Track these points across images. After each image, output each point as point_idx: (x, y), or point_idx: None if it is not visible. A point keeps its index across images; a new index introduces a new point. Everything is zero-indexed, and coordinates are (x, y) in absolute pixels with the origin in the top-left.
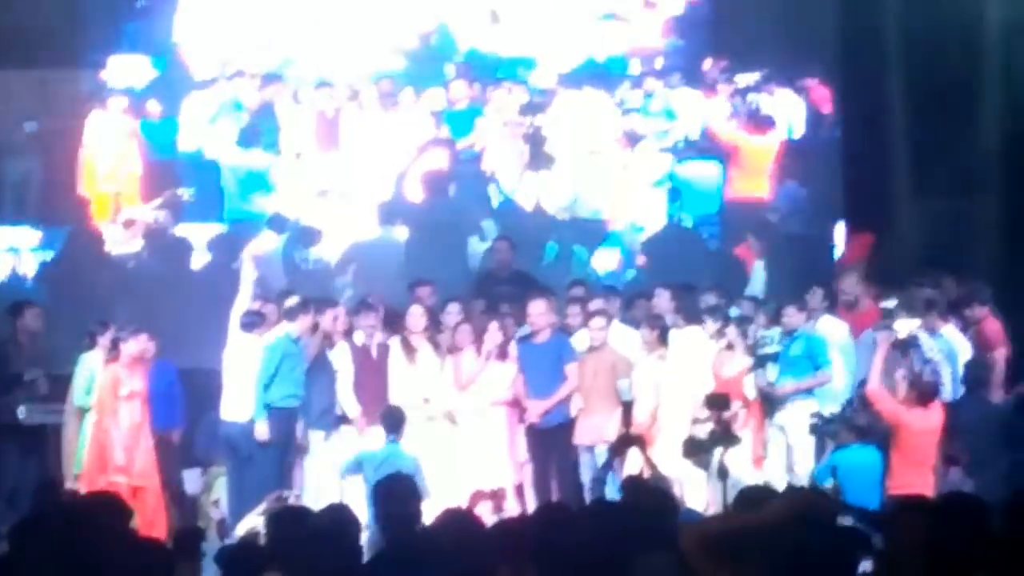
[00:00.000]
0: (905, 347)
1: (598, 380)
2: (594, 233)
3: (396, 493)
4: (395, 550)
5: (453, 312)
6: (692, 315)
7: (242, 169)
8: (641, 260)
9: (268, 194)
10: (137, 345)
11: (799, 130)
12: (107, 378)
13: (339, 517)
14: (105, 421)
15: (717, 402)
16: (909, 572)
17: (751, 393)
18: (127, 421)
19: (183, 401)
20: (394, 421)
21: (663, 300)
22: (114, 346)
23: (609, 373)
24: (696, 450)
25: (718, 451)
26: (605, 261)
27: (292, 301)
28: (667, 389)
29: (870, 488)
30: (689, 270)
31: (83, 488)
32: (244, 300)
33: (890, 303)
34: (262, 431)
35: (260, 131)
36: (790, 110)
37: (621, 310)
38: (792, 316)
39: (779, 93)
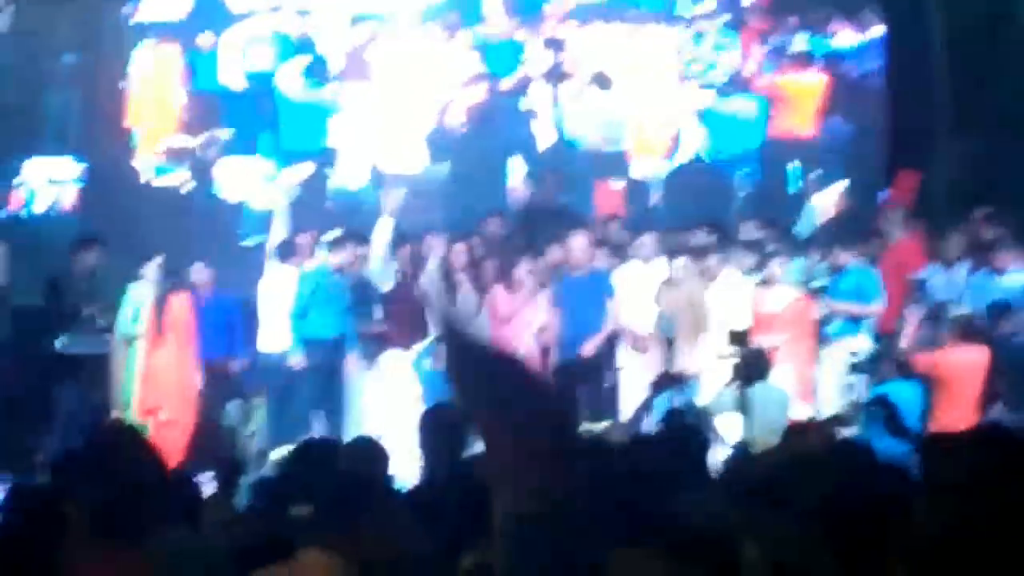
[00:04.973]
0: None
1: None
2: (628, 168)
3: (440, 424)
4: (433, 481)
5: (459, 250)
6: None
7: (290, 102)
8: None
9: (316, 127)
10: (198, 275)
11: (844, 68)
12: (178, 306)
13: (363, 451)
14: (159, 352)
15: (738, 338)
16: (946, 505)
17: (800, 327)
18: (182, 349)
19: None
20: None
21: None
22: (176, 275)
23: (688, 308)
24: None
25: (738, 386)
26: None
27: (333, 234)
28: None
29: (910, 423)
30: (712, 206)
31: (134, 417)
32: (278, 231)
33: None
34: (297, 360)
35: (308, 65)
36: (835, 47)
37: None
38: (839, 255)
39: (824, 30)
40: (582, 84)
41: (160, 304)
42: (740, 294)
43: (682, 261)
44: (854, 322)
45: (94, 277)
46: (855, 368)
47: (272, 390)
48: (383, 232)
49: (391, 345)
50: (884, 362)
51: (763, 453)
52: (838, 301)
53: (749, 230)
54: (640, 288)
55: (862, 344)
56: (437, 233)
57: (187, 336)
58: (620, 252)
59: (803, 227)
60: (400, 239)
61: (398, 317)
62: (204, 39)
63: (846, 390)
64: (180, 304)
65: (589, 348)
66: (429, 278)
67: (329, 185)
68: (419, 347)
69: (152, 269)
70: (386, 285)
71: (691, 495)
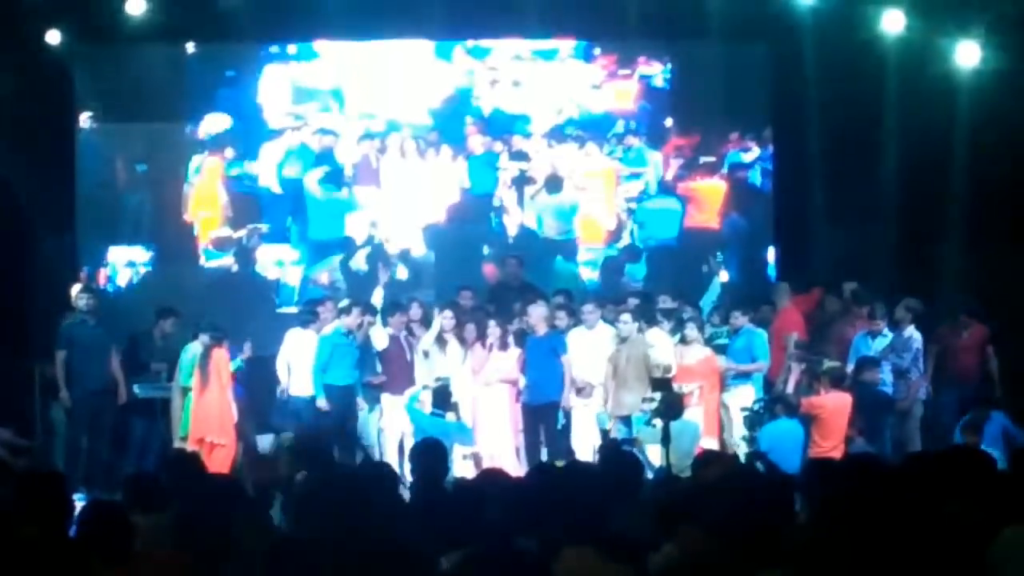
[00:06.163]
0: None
1: (631, 364)
2: (577, 252)
3: (428, 453)
4: (423, 501)
5: (447, 316)
6: (650, 317)
7: (317, 201)
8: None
9: (336, 222)
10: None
11: (742, 174)
12: (217, 358)
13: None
14: (205, 394)
15: (660, 384)
16: (825, 525)
17: (710, 378)
18: (221, 391)
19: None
20: (444, 397)
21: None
22: (219, 335)
23: (641, 358)
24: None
25: (660, 422)
26: (587, 273)
27: (343, 303)
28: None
29: (793, 453)
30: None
31: (189, 447)
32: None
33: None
34: (323, 404)
35: (328, 172)
36: (735, 158)
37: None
38: (737, 318)
39: (726, 145)
40: (540, 187)
41: (204, 357)
42: (668, 350)
43: (627, 321)
44: (745, 375)
45: (166, 339)
46: (747, 418)
47: (298, 425)
48: (377, 299)
49: (388, 391)
50: (774, 405)
51: (679, 477)
52: (733, 358)
53: (666, 300)
54: (585, 345)
55: (750, 393)
56: (428, 303)
57: (224, 381)
58: (576, 316)
59: (707, 299)
60: (394, 307)
61: (392, 369)
62: (243, 151)
63: (742, 429)
64: (219, 357)
65: (565, 400)
66: (430, 337)
67: (346, 266)
68: (409, 393)
69: (202, 336)
70: (380, 343)
71: (623, 508)
